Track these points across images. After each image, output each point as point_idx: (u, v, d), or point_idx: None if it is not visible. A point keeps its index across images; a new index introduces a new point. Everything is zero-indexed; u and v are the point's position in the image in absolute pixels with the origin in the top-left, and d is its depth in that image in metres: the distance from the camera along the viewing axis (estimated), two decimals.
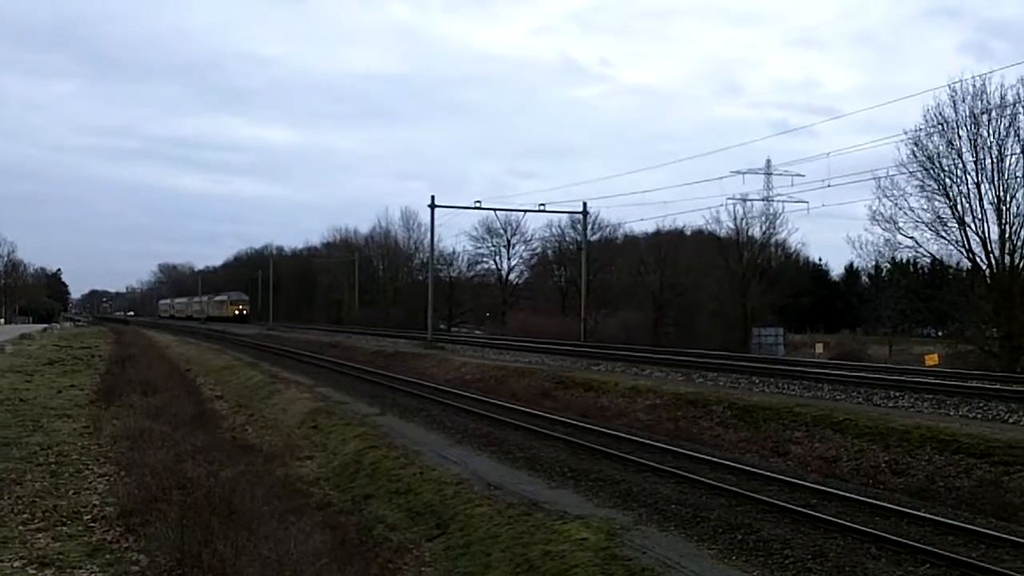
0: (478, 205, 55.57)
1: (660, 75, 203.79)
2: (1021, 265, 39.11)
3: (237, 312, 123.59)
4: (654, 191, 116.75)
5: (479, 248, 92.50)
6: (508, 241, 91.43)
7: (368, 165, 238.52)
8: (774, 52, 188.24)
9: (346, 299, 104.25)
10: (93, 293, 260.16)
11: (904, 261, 51.29)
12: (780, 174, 63.15)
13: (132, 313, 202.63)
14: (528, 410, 23.98)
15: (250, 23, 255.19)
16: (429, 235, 58.82)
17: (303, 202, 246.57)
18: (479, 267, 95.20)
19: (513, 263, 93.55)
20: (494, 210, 61.41)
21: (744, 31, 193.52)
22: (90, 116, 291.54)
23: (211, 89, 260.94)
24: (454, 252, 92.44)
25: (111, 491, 13.90)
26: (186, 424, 21.79)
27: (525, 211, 58.72)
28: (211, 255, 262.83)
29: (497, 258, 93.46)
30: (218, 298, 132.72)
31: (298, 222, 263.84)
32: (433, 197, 53.81)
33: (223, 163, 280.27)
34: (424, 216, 73.68)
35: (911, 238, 41.85)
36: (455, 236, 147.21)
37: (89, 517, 12.39)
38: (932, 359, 45.09)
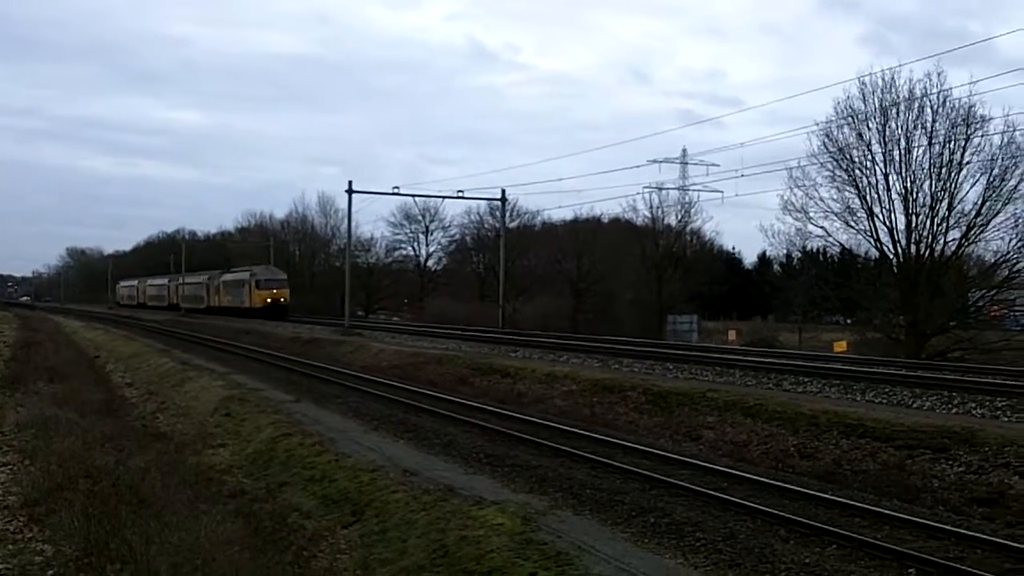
0: (396, 191, 55.30)
1: (572, 63, 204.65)
2: (927, 254, 40.29)
3: (270, 301, 69.83)
4: (571, 179, 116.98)
5: (397, 234, 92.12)
6: (426, 227, 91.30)
7: (282, 149, 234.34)
8: (681, 41, 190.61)
9: None
10: None
11: (815, 250, 52.49)
12: (696, 163, 64.33)
13: (27, 298, 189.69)
14: (445, 396, 23.90)
15: (162, 4, 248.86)
16: (346, 221, 58.37)
17: (215, 186, 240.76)
18: (397, 253, 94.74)
19: (431, 250, 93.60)
20: (412, 196, 60.97)
21: (651, 20, 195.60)
22: None
23: (122, 70, 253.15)
24: (372, 238, 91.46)
25: (14, 480, 13.55)
26: (94, 412, 21.37)
27: (443, 197, 58.51)
28: (121, 239, 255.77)
29: (415, 244, 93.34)
30: (229, 277, 78.69)
31: (210, 206, 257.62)
32: (351, 182, 53.35)
33: (133, 145, 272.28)
34: (341, 202, 73.22)
35: (821, 228, 42.95)
36: (373, 222, 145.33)
37: None
38: (841, 346, 46.48)
